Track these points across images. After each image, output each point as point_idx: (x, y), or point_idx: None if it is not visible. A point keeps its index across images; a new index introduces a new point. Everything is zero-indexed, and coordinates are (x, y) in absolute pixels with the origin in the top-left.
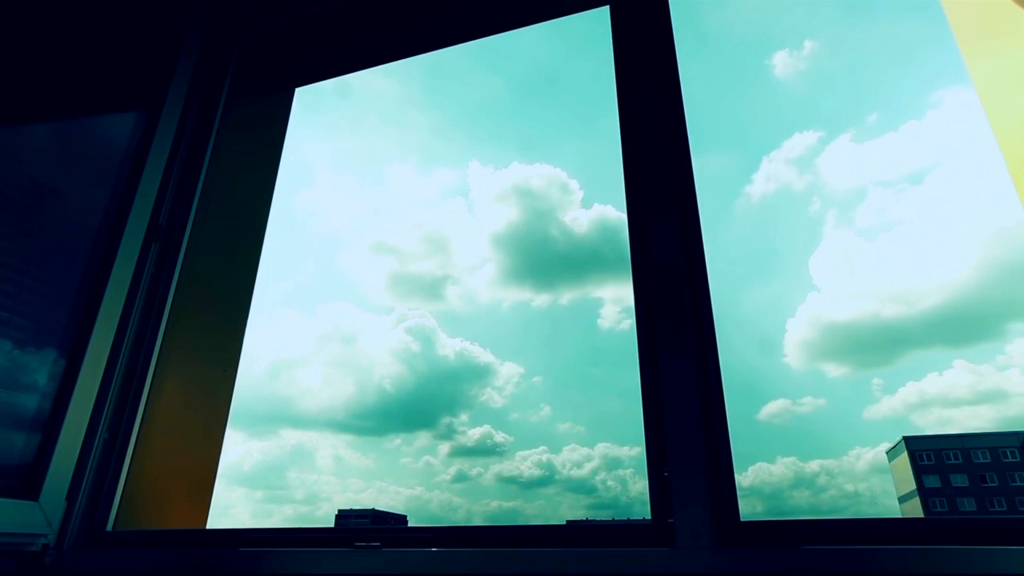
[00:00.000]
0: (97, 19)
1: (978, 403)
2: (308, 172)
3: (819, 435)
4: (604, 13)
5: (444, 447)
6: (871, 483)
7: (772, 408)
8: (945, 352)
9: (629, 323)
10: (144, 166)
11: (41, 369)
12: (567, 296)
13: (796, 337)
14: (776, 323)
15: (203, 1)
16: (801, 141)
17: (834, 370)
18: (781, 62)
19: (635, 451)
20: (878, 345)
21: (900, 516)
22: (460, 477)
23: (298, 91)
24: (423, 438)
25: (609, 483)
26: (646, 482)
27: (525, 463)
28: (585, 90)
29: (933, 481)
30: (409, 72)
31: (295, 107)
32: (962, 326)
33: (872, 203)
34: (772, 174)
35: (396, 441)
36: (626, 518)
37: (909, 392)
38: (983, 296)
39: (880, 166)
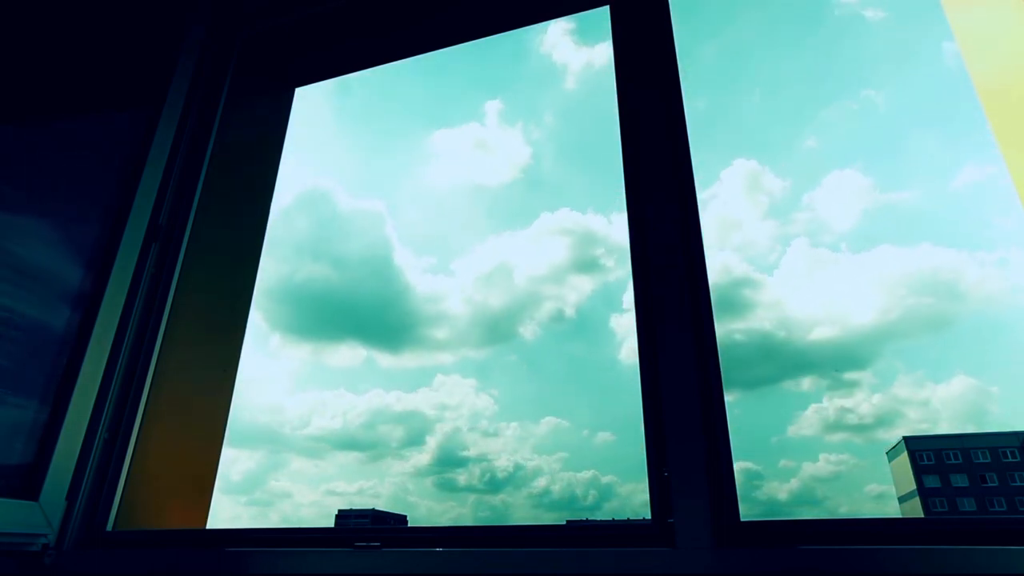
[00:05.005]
0: (98, 18)
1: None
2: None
3: None
4: (604, 13)
5: (425, 456)
6: None
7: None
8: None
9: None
10: (144, 166)
11: (41, 369)
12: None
13: None
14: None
15: (203, 1)
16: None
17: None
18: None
19: (589, 474)
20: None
21: (900, 516)
22: (440, 483)
23: (298, 91)
24: (398, 446)
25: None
26: (638, 484)
27: (489, 471)
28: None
29: (933, 481)
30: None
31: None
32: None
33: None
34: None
35: (372, 453)
36: (626, 518)
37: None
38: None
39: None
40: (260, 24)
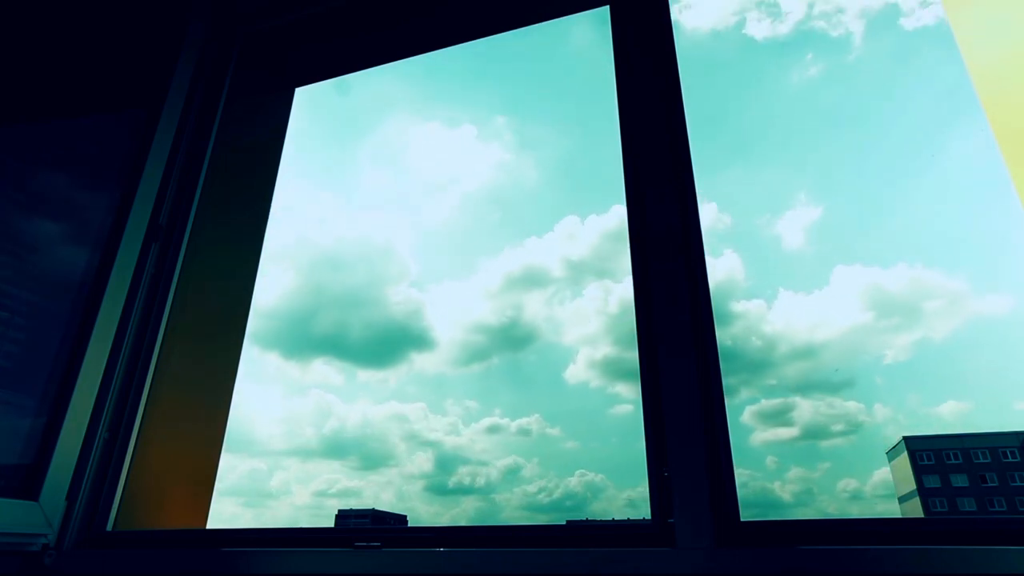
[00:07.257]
0: (99, 16)
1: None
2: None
3: None
4: (604, 13)
5: (421, 461)
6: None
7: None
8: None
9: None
10: (144, 166)
11: (41, 369)
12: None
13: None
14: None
15: (204, 1)
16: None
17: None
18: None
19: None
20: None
21: (900, 516)
22: (431, 487)
23: (297, 91)
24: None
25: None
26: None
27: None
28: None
29: (933, 481)
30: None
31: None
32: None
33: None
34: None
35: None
36: (627, 518)
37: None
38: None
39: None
40: (260, 23)
